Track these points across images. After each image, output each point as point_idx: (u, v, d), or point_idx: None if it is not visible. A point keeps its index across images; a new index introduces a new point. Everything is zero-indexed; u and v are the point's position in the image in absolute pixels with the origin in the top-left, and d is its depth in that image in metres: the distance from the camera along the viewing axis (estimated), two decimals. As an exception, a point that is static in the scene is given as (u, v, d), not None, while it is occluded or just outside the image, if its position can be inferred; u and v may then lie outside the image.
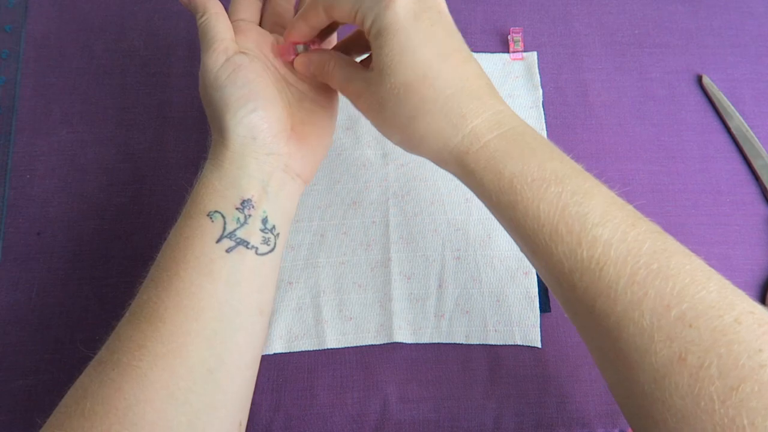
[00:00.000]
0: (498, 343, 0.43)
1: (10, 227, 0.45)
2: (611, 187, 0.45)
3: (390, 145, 0.47)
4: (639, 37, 0.52)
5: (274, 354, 0.43)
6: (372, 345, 0.43)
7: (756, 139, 0.48)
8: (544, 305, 0.44)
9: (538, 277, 0.44)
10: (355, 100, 0.35)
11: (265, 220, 0.35)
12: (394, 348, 0.43)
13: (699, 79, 0.51)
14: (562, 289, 0.30)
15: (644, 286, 0.27)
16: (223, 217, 0.34)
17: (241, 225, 0.34)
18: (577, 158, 0.48)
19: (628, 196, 0.47)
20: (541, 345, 0.43)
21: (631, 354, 0.28)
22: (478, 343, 0.43)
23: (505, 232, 0.44)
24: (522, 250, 0.34)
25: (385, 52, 0.31)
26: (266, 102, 0.35)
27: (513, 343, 0.43)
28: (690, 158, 0.49)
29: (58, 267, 0.44)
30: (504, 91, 0.50)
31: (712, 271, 0.28)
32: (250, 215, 0.34)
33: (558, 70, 0.51)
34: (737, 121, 0.49)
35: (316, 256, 0.45)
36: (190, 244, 0.33)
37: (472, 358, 0.43)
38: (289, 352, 0.43)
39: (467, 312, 0.43)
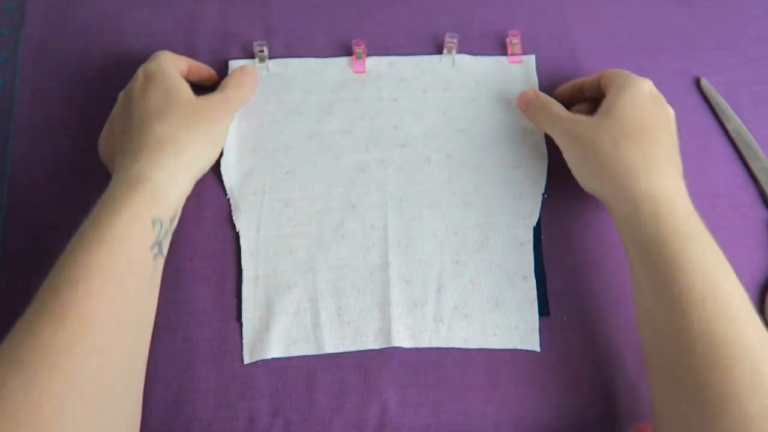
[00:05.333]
0: (497, 347, 0.43)
1: (8, 233, 0.45)
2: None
3: (388, 150, 0.47)
4: (637, 39, 0.52)
5: (273, 359, 0.43)
6: (371, 350, 0.43)
7: (754, 141, 0.48)
8: (543, 309, 0.44)
9: (537, 280, 0.44)
10: (571, 125, 0.42)
11: (173, 230, 0.39)
12: (393, 353, 0.43)
13: (697, 82, 0.51)
14: (676, 354, 0.33)
15: (762, 377, 0.30)
16: (161, 225, 0.37)
17: (165, 235, 0.38)
18: (576, 161, 0.48)
19: (627, 199, 0.47)
20: (541, 349, 0.43)
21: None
22: (477, 347, 0.43)
23: (504, 236, 0.45)
24: (645, 301, 0.36)
25: (628, 99, 0.40)
26: None
27: (512, 347, 0.43)
28: (688, 161, 0.48)
29: (56, 272, 0.44)
30: (502, 95, 0.50)
31: None
32: (171, 226, 0.39)
33: (556, 74, 0.51)
34: (735, 123, 0.49)
35: (314, 260, 0.44)
36: (129, 247, 0.34)
37: (472, 362, 0.43)
38: (288, 357, 0.43)
39: (466, 316, 0.43)
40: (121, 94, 0.44)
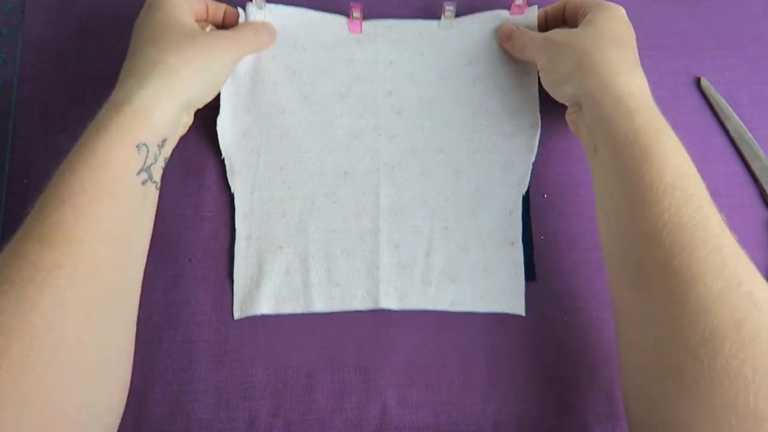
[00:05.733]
0: (483, 311, 0.44)
1: (7, 233, 0.45)
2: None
3: (383, 117, 0.47)
4: (637, 39, 0.52)
5: (272, 359, 0.43)
6: (370, 348, 0.43)
7: (754, 141, 0.48)
8: (530, 274, 0.45)
9: (524, 246, 0.45)
10: (551, 33, 0.44)
11: (165, 158, 0.39)
12: (393, 352, 0.43)
13: (697, 81, 0.51)
14: (643, 243, 0.33)
15: (725, 259, 0.31)
16: (148, 151, 0.36)
17: (154, 161, 0.37)
18: (577, 161, 0.48)
19: (627, 198, 0.47)
20: (525, 313, 0.44)
21: (689, 310, 0.30)
22: (463, 310, 0.44)
23: (493, 204, 0.45)
24: (611, 199, 0.37)
25: (607, 13, 0.43)
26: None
27: (498, 311, 0.44)
28: (688, 161, 0.48)
29: (56, 272, 0.44)
30: (500, 54, 0.48)
31: None
32: (160, 153, 0.38)
33: (556, 73, 0.51)
34: (735, 123, 0.49)
35: (306, 222, 0.45)
36: (113, 170, 0.34)
37: (472, 362, 0.43)
38: (288, 357, 0.43)
39: (454, 280, 0.44)
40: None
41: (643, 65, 0.51)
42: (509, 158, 0.46)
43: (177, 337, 0.43)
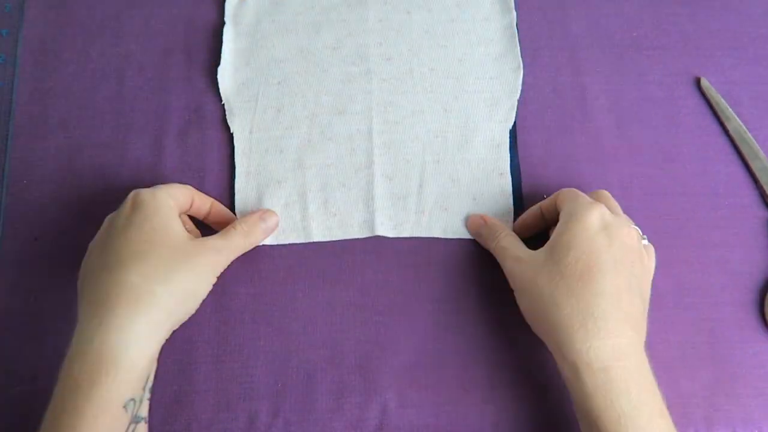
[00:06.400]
0: (473, 237, 0.45)
1: (7, 233, 0.45)
2: (609, 190, 0.44)
3: (374, 63, 0.50)
4: (637, 39, 0.52)
5: (273, 358, 0.42)
6: (370, 348, 0.43)
7: (754, 141, 0.48)
8: (518, 202, 0.46)
9: (512, 176, 0.47)
10: (513, 264, 0.40)
11: (151, 390, 0.37)
12: (393, 352, 0.43)
13: (697, 82, 0.51)
14: None
15: None
16: (135, 403, 0.34)
17: (141, 403, 0.35)
18: (576, 162, 0.48)
19: (627, 199, 0.47)
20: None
21: None
22: (455, 237, 0.45)
23: (482, 138, 0.48)
24: None
25: (571, 234, 0.36)
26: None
27: None
28: (688, 161, 0.49)
29: (56, 273, 0.44)
30: (481, 15, 0.52)
31: None
32: (146, 393, 0.36)
33: (555, 73, 0.51)
34: (735, 123, 0.49)
35: (303, 159, 0.47)
36: None
37: (472, 362, 0.43)
38: (288, 357, 0.43)
39: (446, 209, 0.46)
40: (107, 218, 0.39)
41: (643, 66, 0.51)
42: (495, 97, 0.49)
43: (177, 337, 0.43)
